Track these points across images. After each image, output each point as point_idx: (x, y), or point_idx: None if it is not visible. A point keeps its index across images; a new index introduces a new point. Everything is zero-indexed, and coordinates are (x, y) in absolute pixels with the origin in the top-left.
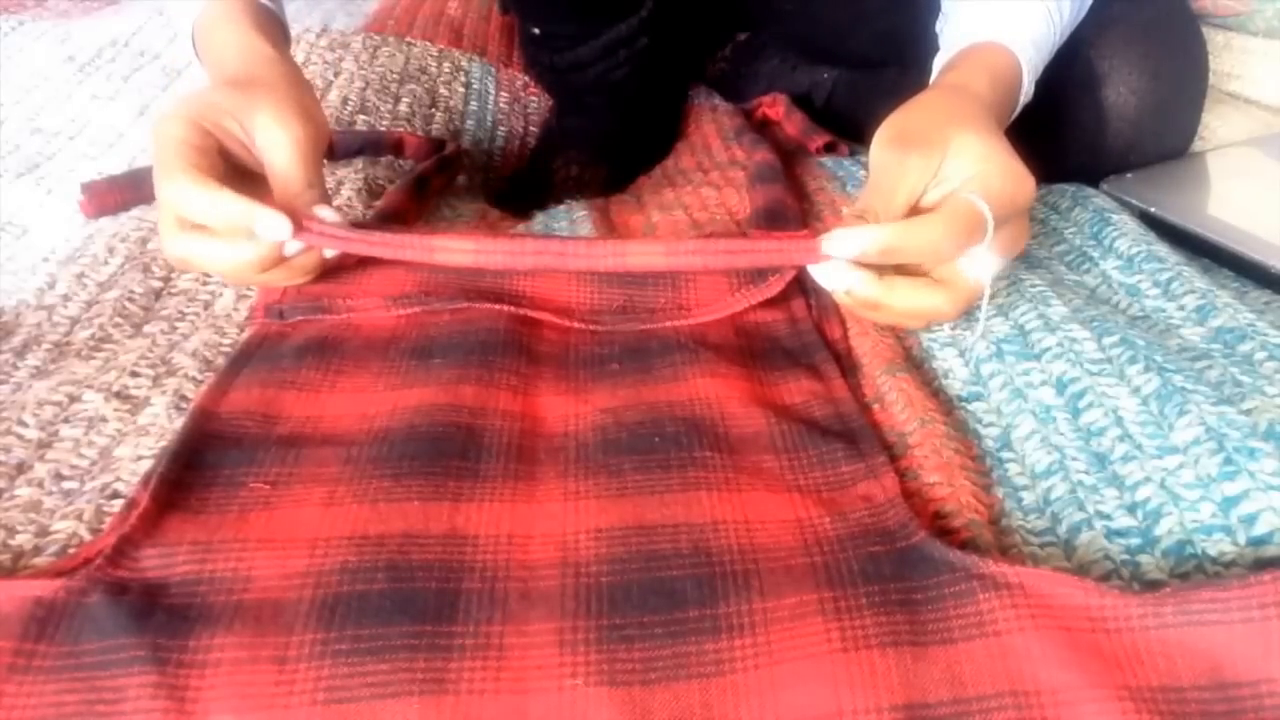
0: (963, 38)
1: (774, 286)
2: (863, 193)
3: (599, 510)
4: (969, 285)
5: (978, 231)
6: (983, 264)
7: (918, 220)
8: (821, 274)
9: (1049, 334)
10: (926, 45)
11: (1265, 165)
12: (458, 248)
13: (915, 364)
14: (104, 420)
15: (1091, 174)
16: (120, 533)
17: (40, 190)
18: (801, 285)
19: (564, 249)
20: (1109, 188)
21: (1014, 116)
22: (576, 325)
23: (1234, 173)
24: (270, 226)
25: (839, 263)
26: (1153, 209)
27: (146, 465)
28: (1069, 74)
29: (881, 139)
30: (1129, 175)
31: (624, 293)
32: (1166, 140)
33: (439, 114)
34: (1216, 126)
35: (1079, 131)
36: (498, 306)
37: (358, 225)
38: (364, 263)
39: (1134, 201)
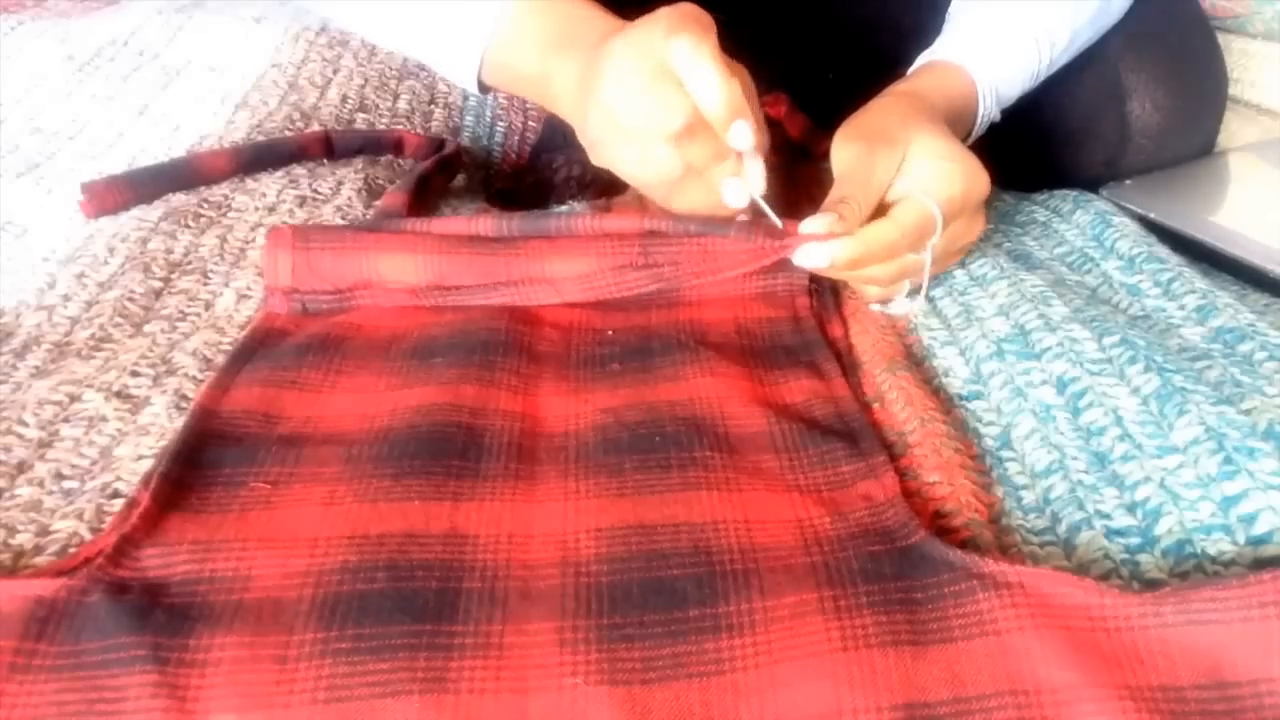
0: (930, 53)
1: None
2: (838, 181)
3: (599, 510)
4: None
5: (929, 229)
6: (927, 254)
7: (876, 226)
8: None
9: (1049, 333)
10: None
11: (1264, 170)
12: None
13: (916, 362)
14: (104, 420)
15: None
16: (121, 532)
17: (40, 190)
18: (805, 283)
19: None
20: (1109, 193)
21: (972, 138)
22: (590, 293)
23: (1233, 178)
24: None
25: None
26: (1152, 214)
27: (147, 465)
28: (1095, 84)
29: (844, 137)
30: (1128, 182)
31: (640, 245)
32: (1183, 158)
33: (438, 110)
34: None
35: (1100, 144)
36: (506, 301)
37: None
38: (375, 251)
39: (1133, 207)
